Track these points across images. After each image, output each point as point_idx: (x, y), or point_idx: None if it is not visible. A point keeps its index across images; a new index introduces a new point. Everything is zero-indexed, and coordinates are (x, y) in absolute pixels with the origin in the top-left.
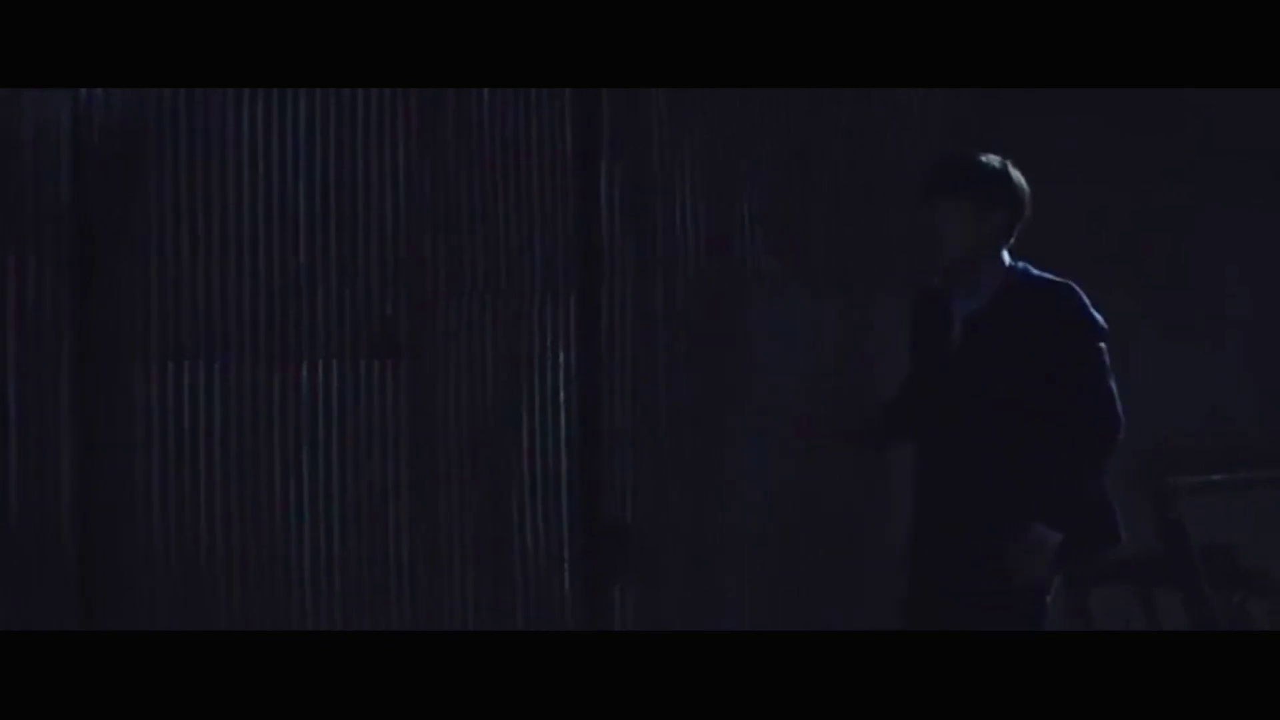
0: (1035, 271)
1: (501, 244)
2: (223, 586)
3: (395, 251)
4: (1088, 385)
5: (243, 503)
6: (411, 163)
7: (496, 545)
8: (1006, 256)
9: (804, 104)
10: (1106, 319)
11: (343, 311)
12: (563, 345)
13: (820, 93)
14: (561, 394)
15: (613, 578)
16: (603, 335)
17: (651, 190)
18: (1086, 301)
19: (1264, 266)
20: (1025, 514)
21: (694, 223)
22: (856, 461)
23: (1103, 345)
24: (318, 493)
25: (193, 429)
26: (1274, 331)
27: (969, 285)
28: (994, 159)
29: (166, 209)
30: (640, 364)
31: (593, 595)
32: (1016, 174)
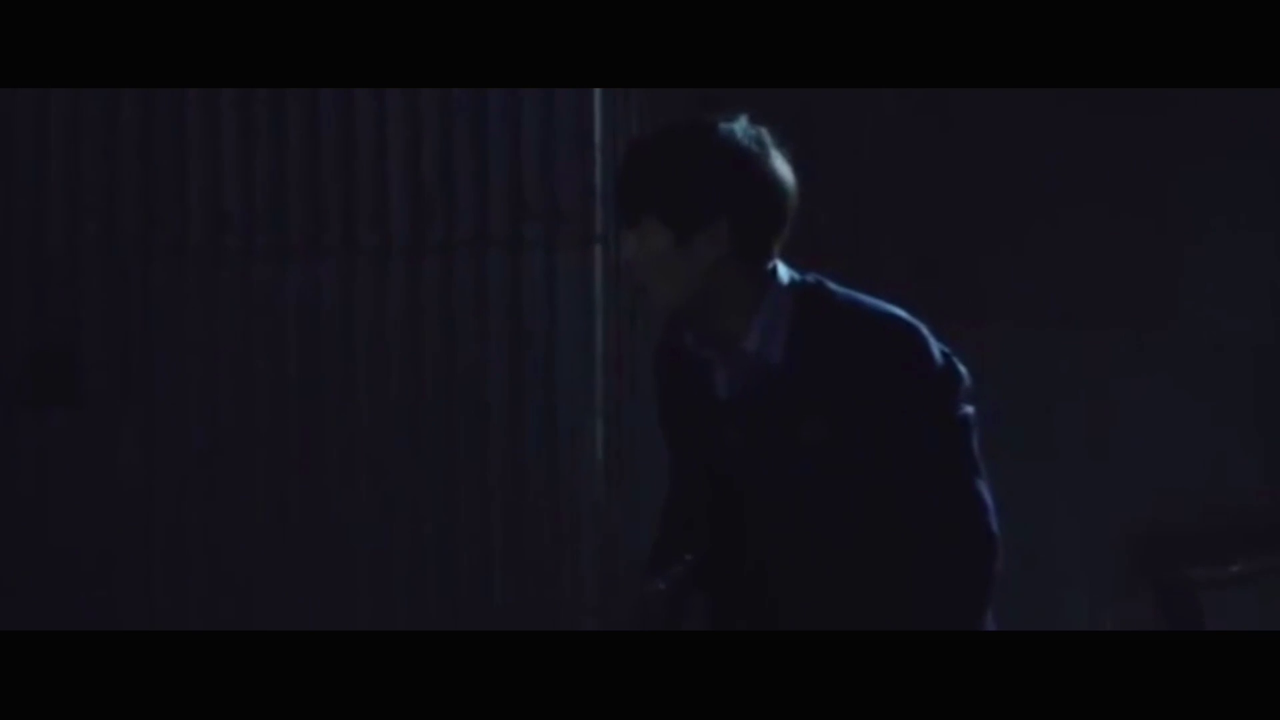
0: (838, 296)
1: None
2: None
3: None
4: (935, 475)
5: None
6: None
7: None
8: (783, 278)
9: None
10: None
11: None
12: None
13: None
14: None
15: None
16: None
17: None
18: (927, 340)
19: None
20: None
21: None
22: None
23: (967, 411)
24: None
25: None
26: None
27: (721, 344)
28: (696, 131)
29: None
30: None
31: None
32: (739, 142)
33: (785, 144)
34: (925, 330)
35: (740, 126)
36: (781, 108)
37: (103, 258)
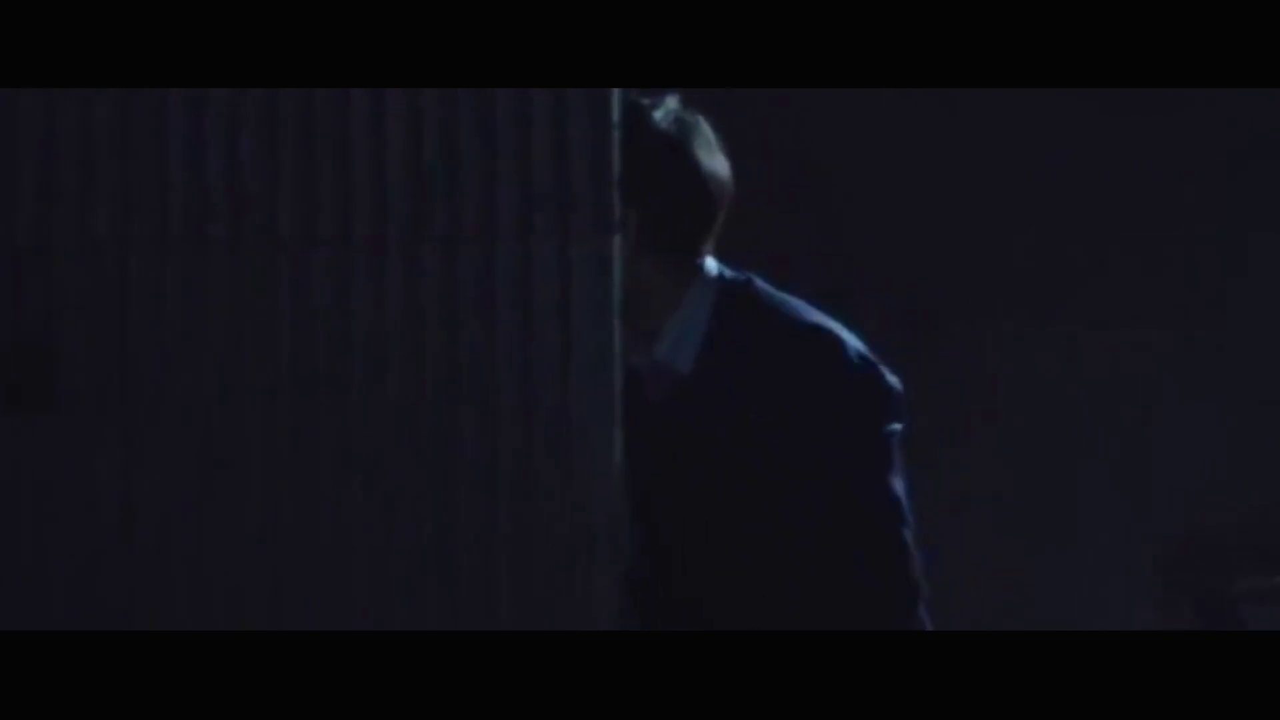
0: (763, 298)
1: None
2: None
3: None
4: (850, 492)
5: None
6: None
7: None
8: (710, 276)
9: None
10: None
11: None
12: None
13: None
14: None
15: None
16: None
17: None
18: (851, 346)
19: None
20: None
21: None
22: None
23: (892, 427)
24: None
25: None
26: None
27: (646, 347)
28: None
29: None
30: None
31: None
32: (653, 127)
33: (718, 131)
34: (848, 338)
35: (661, 111)
36: (785, 107)
37: (79, 249)
